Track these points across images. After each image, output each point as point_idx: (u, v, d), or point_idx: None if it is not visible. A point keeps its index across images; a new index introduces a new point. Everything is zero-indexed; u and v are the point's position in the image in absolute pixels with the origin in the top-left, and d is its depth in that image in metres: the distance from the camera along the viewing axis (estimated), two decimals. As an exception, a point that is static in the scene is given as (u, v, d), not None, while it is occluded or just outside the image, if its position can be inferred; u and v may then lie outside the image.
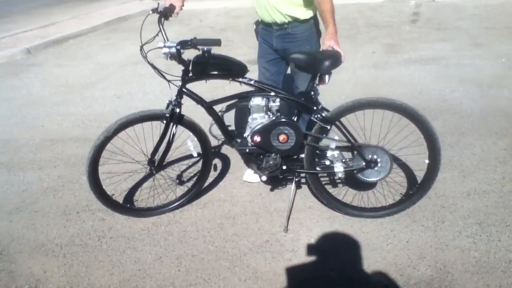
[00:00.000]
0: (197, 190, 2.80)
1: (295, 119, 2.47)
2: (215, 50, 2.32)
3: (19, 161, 3.57)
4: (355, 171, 2.48)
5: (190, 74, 2.37)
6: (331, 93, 4.27)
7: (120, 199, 2.87)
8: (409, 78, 4.87)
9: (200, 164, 3.13)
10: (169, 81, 2.37)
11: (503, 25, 6.71)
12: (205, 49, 2.27)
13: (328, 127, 2.40)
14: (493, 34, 6.28)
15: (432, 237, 2.41)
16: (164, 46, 2.24)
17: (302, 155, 2.59)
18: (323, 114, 2.38)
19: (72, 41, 7.94)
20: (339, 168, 2.46)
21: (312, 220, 2.62)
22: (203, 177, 2.78)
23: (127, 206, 2.74)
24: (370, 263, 2.27)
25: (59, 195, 3.04)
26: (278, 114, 2.46)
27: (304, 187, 2.93)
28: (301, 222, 2.62)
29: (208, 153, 2.68)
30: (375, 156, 2.44)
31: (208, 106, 2.46)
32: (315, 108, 2.40)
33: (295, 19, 2.60)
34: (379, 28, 7.32)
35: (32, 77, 5.91)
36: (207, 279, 2.23)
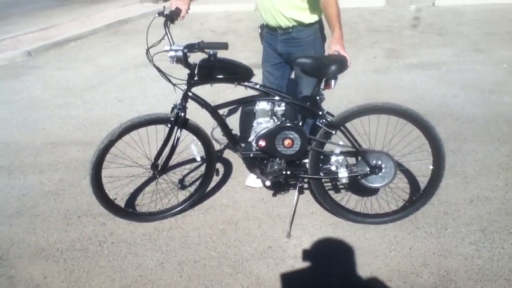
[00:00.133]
0: (200, 195, 2.78)
1: (300, 124, 2.47)
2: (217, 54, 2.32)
3: (20, 164, 3.56)
4: (359, 177, 2.47)
5: (196, 78, 2.37)
6: (333, 97, 4.26)
7: (121, 203, 2.86)
8: (411, 83, 4.87)
9: (202, 168, 3.13)
10: (174, 84, 2.36)
11: (503, 31, 6.72)
12: (211, 52, 2.26)
13: (333, 132, 2.39)
14: (494, 40, 6.29)
15: (435, 244, 2.40)
16: (171, 50, 2.23)
17: (306, 160, 2.59)
18: (328, 119, 2.38)
19: (73, 43, 7.94)
20: (343, 174, 2.45)
21: (315, 226, 2.61)
22: (206, 181, 2.76)
23: (129, 211, 2.73)
24: (373, 270, 2.25)
25: (60, 199, 3.02)
26: (283, 118, 2.45)
27: (307, 192, 2.92)
28: (304, 228, 2.60)
29: (211, 157, 2.67)
30: (379, 162, 2.43)
31: (213, 110, 2.46)
32: (320, 113, 2.39)
33: (300, 23, 2.60)
34: (380, 32, 7.33)
35: (33, 79, 5.90)
36: (209, 285, 2.22)
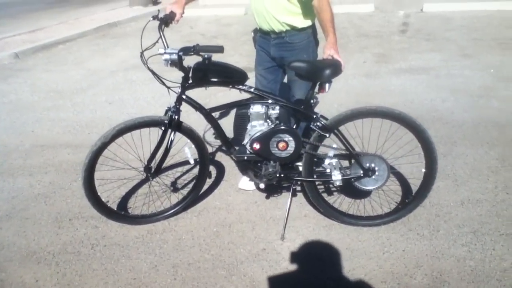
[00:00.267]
0: (193, 198, 2.77)
1: (294, 127, 2.48)
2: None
3: (9, 167, 3.51)
4: (352, 180, 2.49)
5: (190, 81, 2.37)
6: (324, 101, 4.27)
7: (114, 206, 2.83)
8: (401, 87, 4.93)
9: (195, 171, 3.12)
10: (168, 87, 2.36)
11: (490, 37, 6.84)
12: (206, 56, 2.26)
13: (327, 135, 2.40)
14: (481, 45, 6.39)
15: (428, 245, 2.42)
16: (165, 53, 2.23)
17: (298, 163, 2.60)
18: (323, 122, 2.39)
19: (61, 46, 7.86)
20: (337, 177, 2.47)
21: (308, 229, 2.62)
22: (199, 184, 2.76)
23: (121, 213, 2.71)
24: (367, 271, 2.27)
25: (51, 202, 2.98)
26: (277, 122, 2.46)
27: (300, 195, 2.92)
28: (298, 230, 2.61)
29: (205, 160, 2.66)
30: (372, 165, 2.45)
31: (207, 113, 2.46)
32: (314, 116, 2.40)
33: (293, 28, 2.61)
34: (369, 38, 7.40)
35: (21, 82, 5.83)
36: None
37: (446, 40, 6.86)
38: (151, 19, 2.43)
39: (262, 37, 2.80)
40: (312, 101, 2.43)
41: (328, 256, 2.39)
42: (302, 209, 2.79)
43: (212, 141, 3.61)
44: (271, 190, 2.95)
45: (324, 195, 2.79)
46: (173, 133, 2.45)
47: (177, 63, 2.26)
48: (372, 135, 2.88)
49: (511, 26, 7.45)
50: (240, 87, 2.42)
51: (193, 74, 2.35)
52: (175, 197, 2.93)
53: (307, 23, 2.64)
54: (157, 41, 2.33)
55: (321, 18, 2.49)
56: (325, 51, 2.41)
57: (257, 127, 2.46)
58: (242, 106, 2.49)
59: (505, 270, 2.21)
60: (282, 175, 2.55)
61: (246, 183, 3.04)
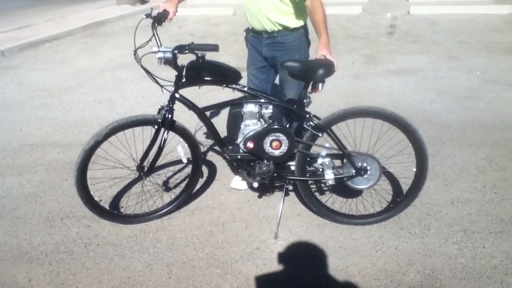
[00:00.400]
0: (186, 197, 2.77)
1: (287, 126, 2.49)
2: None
3: (-3, 166, 3.46)
4: (345, 179, 2.52)
5: (184, 80, 2.37)
6: (314, 102, 4.25)
7: (106, 205, 2.81)
8: (389, 89, 4.99)
9: (187, 170, 3.12)
10: (162, 86, 2.35)
11: (475, 40, 6.96)
12: (200, 54, 2.27)
13: (320, 134, 2.43)
14: (467, 48, 6.50)
15: (419, 244, 2.46)
16: (159, 51, 2.23)
17: (290, 163, 2.62)
18: (316, 122, 2.41)
19: (48, 44, 7.76)
20: (329, 176, 2.49)
21: (301, 227, 2.64)
22: (192, 183, 2.76)
23: (114, 213, 2.69)
24: (361, 269, 2.29)
25: (41, 201, 2.95)
26: (271, 121, 2.47)
27: (292, 194, 2.94)
28: (291, 229, 2.63)
29: (197, 159, 2.67)
30: (365, 164, 2.48)
31: (201, 112, 2.46)
32: (307, 115, 2.42)
33: (285, 28, 2.63)
34: (357, 39, 7.47)
35: (7, 80, 5.74)
36: (199, 286, 2.21)
37: (433, 42, 6.96)
38: (144, 17, 2.43)
39: (254, 36, 2.81)
40: (305, 100, 2.45)
41: (322, 254, 2.41)
42: (294, 208, 2.81)
43: (203, 141, 3.61)
44: (264, 189, 2.97)
45: (317, 194, 2.81)
46: (166, 132, 2.44)
47: (171, 62, 2.26)
48: (363, 135, 2.92)
49: (495, 30, 7.60)
50: (234, 86, 2.43)
51: (187, 72, 2.35)
52: (168, 196, 2.92)
53: (300, 23, 2.66)
54: (150, 39, 2.33)
55: (313, 19, 2.51)
56: (318, 51, 2.43)
57: (250, 126, 2.47)
58: (235, 105, 2.50)
59: (495, 267, 2.26)
60: (275, 174, 2.57)
61: (238, 182, 3.05)
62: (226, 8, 10.27)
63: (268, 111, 2.47)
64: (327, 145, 2.52)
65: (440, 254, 2.36)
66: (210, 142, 3.66)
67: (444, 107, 4.36)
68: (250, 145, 2.44)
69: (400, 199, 2.65)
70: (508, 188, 2.93)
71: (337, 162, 2.62)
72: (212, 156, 3.50)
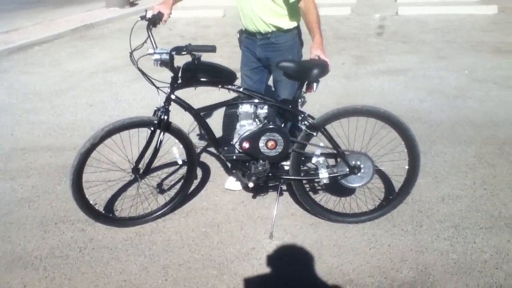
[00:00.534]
0: (181, 198, 2.78)
1: (282, 126, 2.52)
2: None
3: (-11, 171, 3.44)
4: (339, 177, 2.55)
5: (180, 81, 2.38)
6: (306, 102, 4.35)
7: (101, 208, 2.81)
8: (379, 88, 5.04)
9: (181, 172, 3.13)
10: (158, 87, 2.36)
11: (463, 39, 7.06)
12: (196, 55, 2.28)
13: (315, 134, 2.46)
14: (455, 48, 6.59)
15: (412, 240, 2.49)
16: (155, 53, 2.24)
17: (284, 163, 2.64)
18: (310, 121, 2.44)
19: (37, 47, 7.70)
20: (324, 174, 2.52)
21: (296, 227, 2.66)
22: (187, 184, 2.77)
23: (109, 216, 2.69)
24: (355, 266, 2.32)
25: (35, 206, 2.94)
26: (266, 121, 2.49)
27: (286, 194, 2.97)
28: (285, 229, 2.65)
29: (193, 160, 2.68)
30: (358, 162, 2.51)
31: (196, 113, 2.48)
32: (302, 115, 2.45)
33: (279, 29, 2.66)
34: (347, 40, 7.53)
35: (-3, 84, 5.70)
36: (195, 287, 2.22)
37: (422, 42, 7.04)
38: (139, 19, 2.44)
39: (247, 38, 2.84)
40: (300, 100, 2.48)
41: (317, 252, 2.44)
42: (289, 208, 2.84)
43: (196, 142, 3.62)
44: (258, 189, 2.98)
45: (311, 193, 2.84)
46: (162, 133, 2.46)
47: (168, 63, 2.28)
48: (356, 134, 2.95)
49: (482, 30, 7.71)
50: (229, 87, 2.46)
51: (183, 74, 2.37)
52: (163, 198, 2.93)
53: (293, 24, 2.69)
54: (145, 41, 2.34)
55: (307, 20, 2.54)
56: (312, 52, 2.47)
57: (246, 126, 2.49)
58: (230, 106, 2.52)
59: (486, 261, 2.30)
60: (270, 174, 2.59)
61: (232, 183, 3.07)
62: (216, 10, 10.29)
63: (263, 111, 2.49)
64: (321, 144, 2.55)
65: (432, 250, 2.40)
66: (203, 143, 3.67)
67: (434, 106, 4.42)
68: (246, 145, 2.46)
69: (393, 196, 2.69)
70: (497, 185, 2.99)
71: (331, 162, 2.65)
72: (205, 158, 3.51)
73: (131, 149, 2.83)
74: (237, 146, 2.50)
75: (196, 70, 2.35)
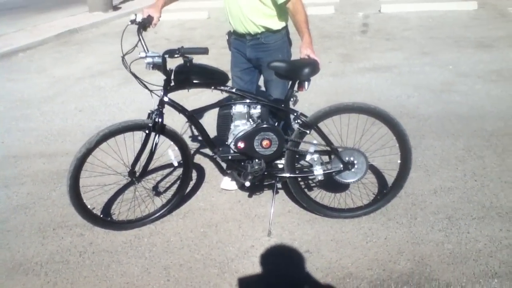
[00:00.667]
0: (178, 200, 2.80)
1: (276, 125, 2.56)
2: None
3: (-19, 179, 3.41)
4: (333, 174, 2.60)
5: (172, 84, 2.40)
6: (296, 101, 4.40)
7: (98, 212, 2.81)
8: (366, 85, 5.11)
9: (177, 173, 3.15)
10: (151, 91, 2.38)
11: (445, 35, 7.19)
12: (188, 58, 2.31)
13: (308, 131, 2.50)
14: (438, 43, 6.71)
15: (407, 233, 2.55)
16: (147, 56, 2.26)
17: (278, 162, 2.68)
18: (303, 119, 2.48)
19: (21, 54, 7.62)
20: (318, 171, 2.57)
21: (293, 224, 2.70)
22: (183, 186, 2.79)
23: (107, 220, 2.70)
24: (353, 260, 2.37)
25: (31, 213, 2.93)
26: (259, 120, 2.53)
27: (281, 192, 3.01)
28: (283, 226, 2.69)
29: (188, 162, 2.70)
30: (352, 158, 2.56)
31: (190, 115, 2.50)
32: (295, 114, 2.49)
33: (268, 30, 2.69)
34: (332, 38, 7.60)
35: (-18, 92, 5.63)
36: (198, 287, 2.24)
37: (405, 39, 7.15)
38: (129, 23, 2.45)
39: (237, 39, 2.86)
40: (292, 99, 2.52)
41: (315, 248, 2.48)
42: (285, 206, 2.88)
43: (189, 144, 3.62)
44: (253, 189, 3.02)
45: (306, 190, 2.88)
46: (157, 136, 2.47)
47: (161, 66, 2.30)
48: (348, 131, 3.01)
49: (463, 25, 7.86)
50: (222, 88, 2.48)
51: (176, 76, 2.39)
52: (160, 200, 2.94)
53: (282, 24, 2.73)
54: (136, 45, 2.36)
55: (296, 20, 2.59)
56: (301, 51, 2.51)
57: (240, 126, 2.53)
58: (224, 106, 2.55)
59: (480, 250, 2.37)
60: (265, 173, 2.63)
61: (228, 183, 3.09)
62: (201, 12, 10.28)
63: (256, 111, 2.53)
64: (314, 141, 2.59)
65: (427, 242, 2.47)
66: (196, 145, 3.69)
67: (421, 101, 4.51)
68: (241, 145, 2.49)
69: (387, 190, 2.75)
70: (487, 176, 3.07)
71: (325, 159, 2.69)
72: (199, 159, 3.53)
73: (127, 152, 2.83)
74: (232, 146, 2.53)
75: (189, 72, 2.38)
